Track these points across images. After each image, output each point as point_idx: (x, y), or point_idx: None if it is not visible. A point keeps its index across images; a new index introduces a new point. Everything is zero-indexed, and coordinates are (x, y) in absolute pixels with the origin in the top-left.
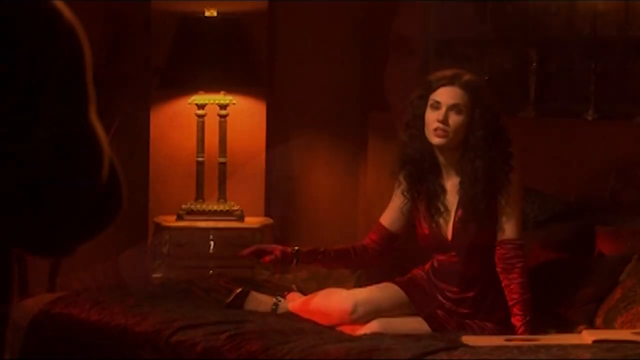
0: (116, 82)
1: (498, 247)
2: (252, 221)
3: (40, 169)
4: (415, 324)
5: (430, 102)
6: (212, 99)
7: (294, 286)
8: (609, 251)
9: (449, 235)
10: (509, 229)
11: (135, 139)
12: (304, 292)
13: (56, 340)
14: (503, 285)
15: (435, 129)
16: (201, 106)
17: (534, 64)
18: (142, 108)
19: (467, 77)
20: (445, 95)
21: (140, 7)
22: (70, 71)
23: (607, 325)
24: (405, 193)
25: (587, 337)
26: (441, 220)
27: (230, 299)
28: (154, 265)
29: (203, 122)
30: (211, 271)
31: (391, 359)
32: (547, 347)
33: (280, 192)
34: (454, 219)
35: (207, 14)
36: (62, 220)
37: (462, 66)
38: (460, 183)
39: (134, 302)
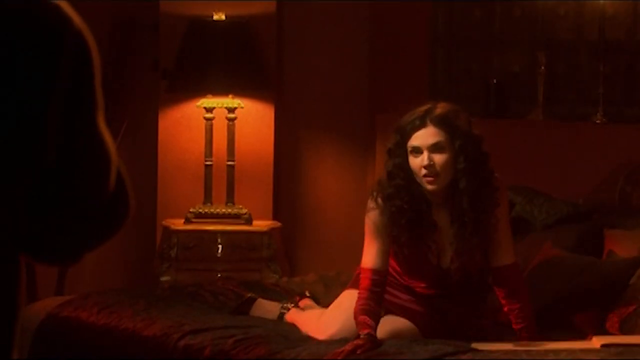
0: (124, 85)
1: (498, 273)
2: (260, 224)
3: (48, 176)
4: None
5: (409, 149)
6: (220, 102)
7: (307, 292)
8: (618, 253)
9: (445, 268)
10: (507, 253)
11: (144, 142)
12: (316, 297)
13: (64, 343)
14: (506, 309)
15: (425, 176)
16: (209, 109)
17: (543, 67)
18: (150, 111)
19: (437, 110)
20: (421, 138)
21: (148, 11)
22: (78, 78)
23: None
24: (390, 236)
25: (595, 342)
26: (434, 256)
27: (236, 305)
28: (162, 269)
29: (211, 125)
30: (219, 274)
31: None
32: (556, 352)
33: (288, 195)
34: (451, 253)
35: (215, 17)
36: (69, 228)
37: (470, 69)
38: (452, 217)
39: (142, 305)
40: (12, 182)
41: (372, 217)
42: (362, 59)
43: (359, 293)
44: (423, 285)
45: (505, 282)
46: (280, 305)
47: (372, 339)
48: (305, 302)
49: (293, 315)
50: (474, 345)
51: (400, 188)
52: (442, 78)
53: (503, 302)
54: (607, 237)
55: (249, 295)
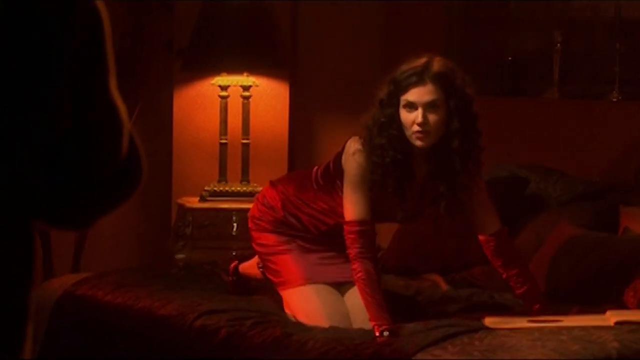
0: (139, 64)
1: (488, 241)
2: None
3: (60, 139)
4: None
5: (402, 102)
6: (235, 81)
7: None
8: (634, 230)
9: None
10: (494, 220)
11: (159, 120)
12: None
13: (80, 321)
14: (505, 276)
15: (415, 132)
16: (224, 88)
17: (558, 45)
18: (165, 90)
19: (435, 67)
20: (418, 94)
21: None
22: (90, 43)
23: None
24: (374, 188)
25: (610, 317)
26: (406, 204)
27: (231, 289)
28: (177, 247)
29: (226, 104)
30: (234, 252)
31: (414, 342)
32: (569, 329)
33: None
34: (427, 200)
35: None
36: (82, 192)
37: (486, 48)
38: (435, 172)
39: (158, 285)
40: (26, 147)
41: (358, 160)
42: (377, 37)
43: (355, 252)
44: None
45: (498, 249)
46: (257, 264)
47: (392, 333)
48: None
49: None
50: (486, 322)
51: (394, 139)
52: (457, 57)
53: (501, 270)
54: (622, 214)
55: (232, 278)
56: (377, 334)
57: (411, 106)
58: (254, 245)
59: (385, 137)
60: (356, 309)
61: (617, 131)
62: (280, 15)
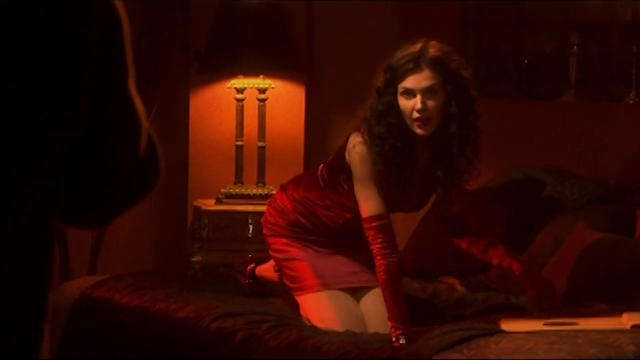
0: (156, 66)
1: (453, 219)
2: None
3: (80, 139)
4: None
5: (400, 90)
6: (251, 83)
7: None
8: None
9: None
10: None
11: (175, 123)
12: None
13: (97, 324)
14: (472, 250)
15: (417, 119)
16: (240, 90)
17: (575, 48)
18: (182, 92)
19: (431, 52)
20: (415, 81)
21: None
22: (109, 43)
23: None
24: (378, 178)
25: (627, 321)
26: (412, 191)
27: (249, 293)
28: (194, 249)
29: (242, 106)
30: (250, 255)
31: (429, 346)
32: (586, 333)
33: None
34: (427, 189)
35: None
36: (100, 191)
37: (502, 51)
38: (434, 157)
39: (175, 287)
40: (45, 147)
41: (361, 152)
42: (393, 39)
43: (378, 249)
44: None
45: (458, 226)
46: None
47: (408, 339)
48: None
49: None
50: (503, 325)
51: (393, 127)
52: (473, 59)
53: (472, 249)
54: (639, 218)
55: (249, 281)
56: (394, 338)
57: (409, 93)
58: (270, 251)
59: (384, 125)
60: (371, 313)
61: (634, 134)
62: (296, 17)
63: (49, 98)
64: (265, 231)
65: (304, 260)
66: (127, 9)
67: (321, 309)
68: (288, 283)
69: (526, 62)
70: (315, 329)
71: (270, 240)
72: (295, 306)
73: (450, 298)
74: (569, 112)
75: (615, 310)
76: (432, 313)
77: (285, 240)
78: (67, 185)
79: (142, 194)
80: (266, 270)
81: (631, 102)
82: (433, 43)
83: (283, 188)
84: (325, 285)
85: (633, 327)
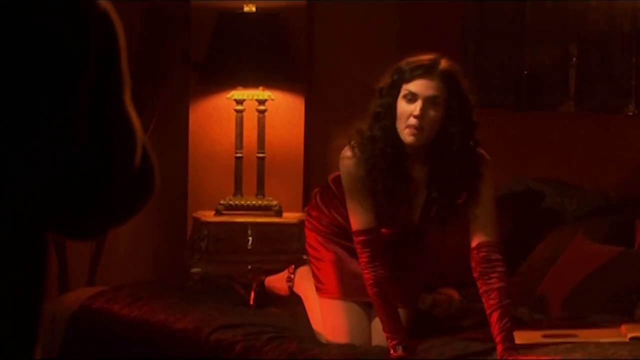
0: (156, 77)
1: (476, 251)
2: (291, 216)
3: (74, 151)
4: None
5: (403, 92)
6: (250, 94)
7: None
8: None
9: (416, 220)
10: (486, 230)
11: (175, 133)
12: None
13: (96, 335)
14: (480, 292)
15: (409, 126)
16: (240, 101)
17: (574, 59)
18: (181, 103)
19: (443, 64)
20: (421, 87)
21: (179, 3)
22: (104, 56)
23: None
24: (365, 186)
25: (625, 332)
26: (406, 209)
27: (252, 301)
28: (193, 260)
29: (242, 117)
30: (249, 266)
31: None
32: (584, 346)
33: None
34: (422, 206)
35: (246, 9)
36: (95, 203)
37: (502, 62)
38: (431, 176)
39: (174, 298)
40: (41, 160)
41: (347, 167)
42: (393, 51)
43: (364, 262)
44: (389, 233)
45: (481, 259)
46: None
47: (405, 348)
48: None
49: (300, 287)
50: None
51: (387, 130)
52: (473, 71)
53: (478, 283)
54: (638, 229)
55: (256, 289)
56: (391, 349)
57: (412, 97)
58: (305, 244)
59: (379, 128)
60: (377, 326)
61: (633, 145)
62: (296, 29)
63: (44, 109)
64: (306, 223)
65: (332, 265)
66: (128, 19)
67: (334, 318)
68: (314, 279)
69: (525, 72)
70: (315, 340)
71: (308, 233)
72: (296, 316)
73: (449, 309)
74: (568, 122)
75: (614, 322)
76: (430, 324)
77: (320, 239)
78: (61, 197)
79: (137, 206)
80: (277, 280)
81: (630, 112)
82: (446, 58)
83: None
84: (345, 295)
85: (632, 339)
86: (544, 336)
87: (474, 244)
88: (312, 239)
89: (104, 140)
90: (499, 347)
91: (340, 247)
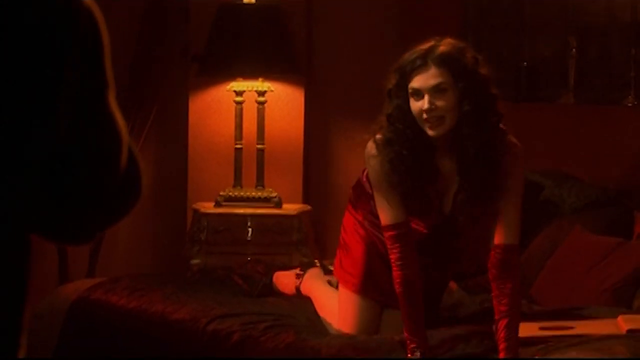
0: (155, 69)
1: (496, 251)
2: (290, 208)
3: (58, 154)
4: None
5: (409, 91)
6: (250, 86)
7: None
8: None
9: (447, 214)
10: (511, 232)
11: (174, 125)
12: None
13: (94, 325)
14: (493, 294)
15: (427, 120)
16: (239, 93)
17: (574, 51)
18: (181, 95)
19: (440, 49)
20: (422, 80)
21: None
22: (87, 56)
23: None
24: (397, 187)
25: (622, 324)
26: (436, 203)
27: (257, 291)
28: (192, 252)
29: (241, 109)
30: (249, 258)
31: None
32: (581, 339)
33: (318, 178)
34: (453, 197)
35: (245, 0)
36: (80, 207)
37: (501, 54)
38: (458, 163)
39: (171, 289)
40: (22, 161)
41: (372, 166)
42: (393, 43)
43: (394, 259)
44: (422, 227)
45: (500, 262)
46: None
47: (423, 353)
48: (315, 270)
49: (306, 288)
50: None
51: (400, 133)
52: None
53: (492, 284)
54: (637, 220)
55: (264, 281)
56: (409, 352)
57: (418, 94)
58: (341, 228)
59: (392, 131)
60: (384, 323)
61: (632, 136)
62: (295, 20)
63: (25, 112)
64: (349, 202)
65: (362, 255)
66: (127, 11)
67: (347, 309)
68: (336, 260)
69: (525, 64)
70: (313, 330)
71: (349, 206)
72: (295, 304)
73: (447, 300)
74: (567, 114)
75: (612, 313)
76: (428, 314)
77: (355, 215)
78: (46, 201)
79: (123, 210)
80: (286, 275)
81: (629, 104)
82: (446, 40)
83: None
84: (365, 292)
85: (629, 331)
86: (541, 328)
87: (495, 242)
88: (348, 221)
89: (88, 141)
90: (501, 356)
91: (376, 239)
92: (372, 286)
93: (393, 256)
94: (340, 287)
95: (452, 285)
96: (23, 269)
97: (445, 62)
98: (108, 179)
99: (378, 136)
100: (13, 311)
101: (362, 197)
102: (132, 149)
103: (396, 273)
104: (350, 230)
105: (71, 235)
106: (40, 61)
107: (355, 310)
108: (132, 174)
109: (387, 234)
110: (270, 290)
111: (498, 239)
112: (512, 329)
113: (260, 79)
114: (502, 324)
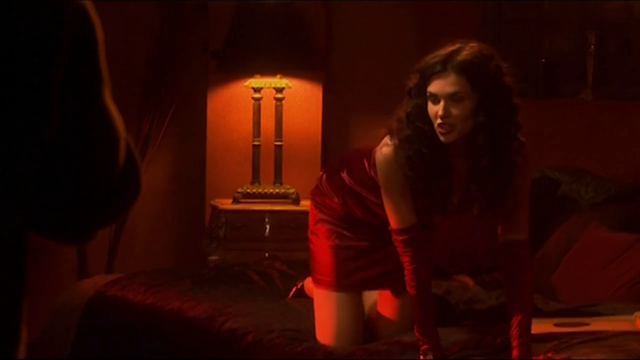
0: (174, 65)
1: (507, 248)
2: (308, 204)
3: (54, 153)
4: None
5: (427, 94)
6: (268, 82)
7: None
8: None
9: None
10: (520, 228)
11: (193, 122)
12: None
13: (111, 322)
14: (505, 290)
15: (439, 125)
16: (257, 89)
17: (592, 47)
18: (199, 91)
19: (461, 55)
20: (439, 86)
21: None
22: (80, 52)
23: None
24: (404, 178)
25: (638, 321)
26: (447, 202)
27: (292, 292)
28: (210, 248)
29: (259, 106)
30: (267, 254)
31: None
32: (596, 335)
33: None
34: (460, 198)
35: None
36: (78, 206)
37: (520, 50)
38: (471, 170)
39: (188, 286)
40: (17, 159)
41: (382, 167)
42: (411, 38)
43: (407, 262)
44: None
45: (510, 259)
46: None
47: (434, 355)
48: None
49: (309, 288)
50: None
51: (420, 131)
52: None
53: (504, 281)
54: None
55: (298, 287)
56: (421, 354)
57: (434, 98)
58: (308, 231)
59: (411, 129)
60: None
61: None
62: (314, 16)
63: (17, 109)
64: (310, 209)
65: (331, 254)
66: (145, 9)
67: (323, 310)
68: (311, 268)
69: (543, 61)
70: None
71: (310, 218)
72: (309, 308)
73: (463, 295)
74: (586, 110)
75: (628, 310)
76: (444, 309)
77: (323, 226)
78: (42, 201)
79: (121, 209)
80: (309, 280)
81: None
82: (470, 45)
83: (340, 165)
84: (340, 287)
85: None
86: (556, 325)
87: (505, 238)
88: (313, 225)
89: (82, 140)
90: (514, 353)
91: (344, 237)
92: (346, 279)
93: (406, 260)
94: (315, 293)
95: (468, 280)
96: (21, 268)
97: (465, 69)
98: (105, 175)
99: (394, 141)
100: (11, 310)
101: (343, 185)
102: (129, 146)
103: (409, 276)
104: (315, 229)
105: (69, 234)
106: (31, 59)
107: (332, 309)
108: (130, 170)
109: (399, 237)
110: (303, 294)
111: (507, 234)
112: (525, 325)
113: (278, 76)
114: (515, 321)
